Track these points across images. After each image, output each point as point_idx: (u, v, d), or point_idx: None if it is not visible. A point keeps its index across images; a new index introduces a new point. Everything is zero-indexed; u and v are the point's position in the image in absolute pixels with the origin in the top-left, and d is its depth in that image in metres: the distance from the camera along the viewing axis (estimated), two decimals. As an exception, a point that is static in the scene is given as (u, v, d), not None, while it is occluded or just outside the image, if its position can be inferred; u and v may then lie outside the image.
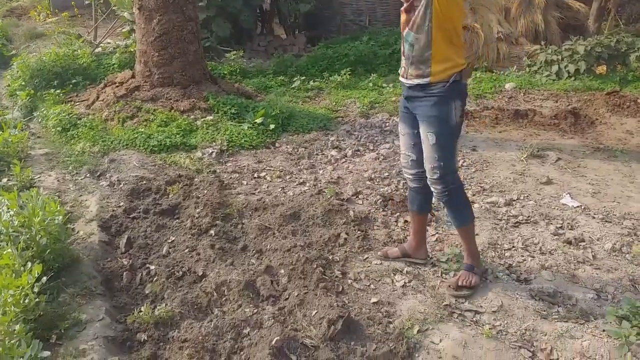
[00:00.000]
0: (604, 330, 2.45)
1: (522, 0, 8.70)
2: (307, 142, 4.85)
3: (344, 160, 4.50)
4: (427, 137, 2.52)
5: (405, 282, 2.77)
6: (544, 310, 2.58)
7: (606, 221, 3.56)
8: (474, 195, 3.90)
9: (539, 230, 3.40)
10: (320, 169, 4.28)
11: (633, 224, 3.51)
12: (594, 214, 3.66)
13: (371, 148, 4.81)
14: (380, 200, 3.68)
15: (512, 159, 4.59)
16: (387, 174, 4.19)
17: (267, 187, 3.89)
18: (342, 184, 4.00)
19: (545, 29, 8.61)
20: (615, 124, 5.67)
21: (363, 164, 4.41)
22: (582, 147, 4.99)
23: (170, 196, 3.66)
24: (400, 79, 2.66)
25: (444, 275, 2.87)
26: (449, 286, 2.70)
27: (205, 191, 3.64)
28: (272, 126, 4.92)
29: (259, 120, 4.90)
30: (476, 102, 6.18)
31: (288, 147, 4.71)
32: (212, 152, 4.37)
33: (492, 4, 8.85)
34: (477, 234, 3.29)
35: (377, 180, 4.08)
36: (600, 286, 2.79)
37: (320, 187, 3.87)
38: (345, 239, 3.11)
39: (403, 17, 2.53)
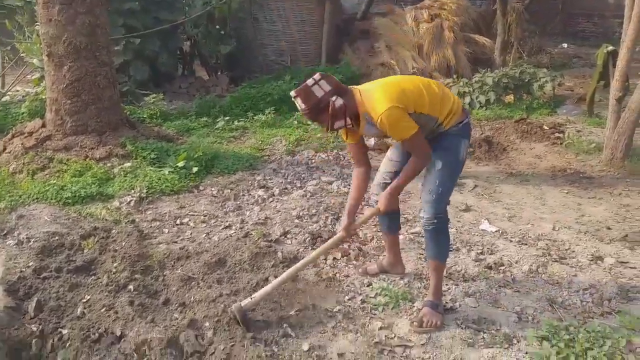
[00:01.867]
0: (526, 353, 2.52)
1: (433, 37, 9.23)
2: (232, 183, 4.78)
3: (271, 199, 4.47)
4: (434, 164, 2.66)
5: (335, 323, 2.73)
6: (470, 338, 2.62)
7: (522, 244, 3.73)
8: (419, 220, 3.99)
9: (461, 257, 3.50)
10: (247, 211, 4.21)
11: (546, 244, 3.71)
12: (511, 237, 3.83)
13: (298, 185, 4.82)
14: (309, 238, 3.66)
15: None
16: (315, 210, 4.19)
17: (191, 233, 3.76)
18: (270, 224, 3.94)
19: (456, 63, 9.16)
20: (525, 149, 6.04)
21: (291, 202, 4.39)
22: (496, 173, 5.26)
23: (85, 251, 3.45)
24: None
25: (372, 311, 2.86)
26: (414, 323, 2.71)
27: (124, 243, 3.46)
28: (195, 169, 4.82)
29: (180, 164, 4.78)
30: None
31: (213, 189, 4.61)
32: (131, 200, 4.19)
33: (405, 41, 9.32)
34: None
35: (306, 218, 4.06)
36: (521, 308, 2.89)
37: (247, 229, 3.80)
38: (273, 282, 3.04)
39: None
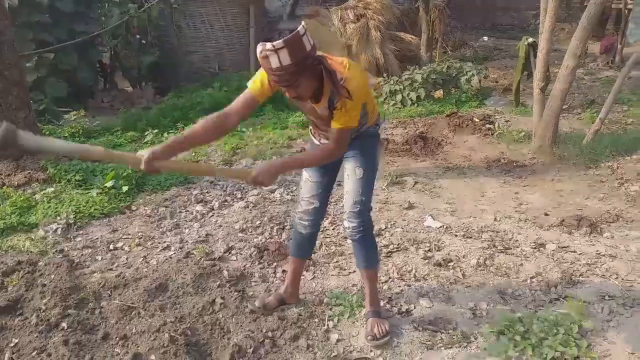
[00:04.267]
0: (485, 349, 2.51)
1: (361, 37, 9.29)
2: (167, 200, 4.53)
3: (211, 214, 4.26)
4: (355, 172, 2.48)
5: (291, 340, 2.60)
6: (429, 341, 2.58)
7: (467, 237, 3.77)
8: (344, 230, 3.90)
9: (410, 256, 3.48)
10: (185, 229, 3.98)
11: (490, 236, 3.76)
12: (456, 231, 3.86)
13: (239, 197, 4.63)
14: (255, 252, 3.50)
15: (374, 188, 4.70)
16: (259, 222, 4.03)
17: (126, 259, 3.50)
18: (212, 241, 3.75)
19: (384, 61, 9.26)
20: (459, 142, 6.18)
21: (232, 215, 4.21)
22: (434, 169, 5.32)
23: (9, 289, 3.10)
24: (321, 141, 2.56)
25: (328, 322, 2.76)
26: (368, 338, 2.57)
27: (52, 276, 3.15)
28: (125, 188, 4.52)
29: (109, 184, 4.47)
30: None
31: (146, 208, 4.34)
32: (57, 228, 3.85)
33: (334, 42, 9.32)
34: (354, 271, 3.30)
35: (250, 231, 3.90)
36: (475, 304, 2.89)
37: (188, 249, 3.59)
38: (222, 303, 2.86)
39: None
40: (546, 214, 4.13)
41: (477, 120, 6.85)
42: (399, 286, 3.08)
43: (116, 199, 4.40)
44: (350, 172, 2.51)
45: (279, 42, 1.95)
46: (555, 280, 3.09)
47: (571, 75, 5.27)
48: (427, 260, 3.39)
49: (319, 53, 2.14)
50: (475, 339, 2.60)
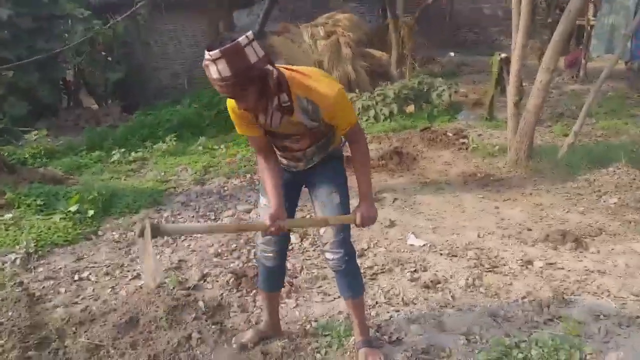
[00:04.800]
0: (483, 378, 2.37)
1: (332, 54, 9.24)
2: (136, 223, 4.26)
3: (183, 238, 4.03)
4: (332, 198, 2.31)
5: (276, 377, 2.41)
6: (424, 372, 2.43)
7: (452, 255, 3.65)
8: (323, 252, 3.73)
9: (396, 278, 3.33)
10: (157, 254, 3.74)
11: (476, 253, 3.66)
12: (440, 250, 3.74)
13: (212, 218, 4.42)
14: (232, 279, 3.29)
15: (352, 206, 4.54)
16: (234, 245, 3.83)
17: (93, 290, 3.24)
18: (185, 267, 3.53)
19: (356, 77, 9.22)
20: (434, 157, 6.12)
21: (206, 238, 3.98)
22: (412, 184, 5.22)
23: (-40, 329, 2.81)
24: (285, 168, 2.40)
25: (316, 354, 2.57)
26: None
27: (10, 313, 2.88)
28: (90, 212, 4.25)
29: (73, 209, 4.20)
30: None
31: (114, 234, 4.08)
32: (16, 258, 3.55)
33: (306, 59, 9.24)
34: (339, 296, 3.12)
35: (225, 255, 3.69)
36: (467, 329, 2.75)
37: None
38: (199, 338, 2.65)
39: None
40: (529, 229, 4.06)
41: (450, 134, 6.83)
42: (388, 312, 2.92)
43: (81, 224, 4.14)
44: (325, 199, 2.33)
45: (215, 52, 1.78)
46: (547, 300, 2.99)
47: (545, 90, 5.29)
48: (414, 283, 3.25)
49: (282, 65, 2.04)
50: (472, 367, 2.46)
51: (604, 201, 4.51)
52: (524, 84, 6.12)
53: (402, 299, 3.06)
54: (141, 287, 3.18)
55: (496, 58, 6.94)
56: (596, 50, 10.40)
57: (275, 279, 2.59)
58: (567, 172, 5.19)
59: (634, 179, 4.79)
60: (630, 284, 3.14)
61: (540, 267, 3.40)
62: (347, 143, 2.35)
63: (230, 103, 2.11)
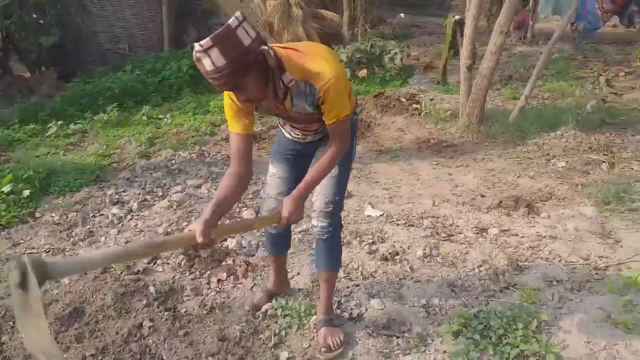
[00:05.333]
0: (444, 352, 2.37)
1: (282, 15, 8.90)
2: (78, 203, 4.01)
3: (130, 217, 3.82)
4: None
5: (234, 363, 2.32)
6: (385, 348, 2.40)
7: (409, 225, 3.63)
8: (311, 218, 3.64)
9: (354, 251, 3.28)
10: (101, 236, 3.53)
11: (431, 222, 3.65)
12: (397, 220, 3.71)
13: (160, 194, 4.21)
14: (185, 260, 3.14)
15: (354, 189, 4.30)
16: (185, 223, 3.67)
17: (33, 278, 3.01)
18: (133, 249, 3.34)
19: (307, 39, 8.94)
20: (388, 123, 6.06)
21: (155, 217, 3.80)
22: (367, 153, 5.16)
23: None
24: (294, 139, 2.32)
25: (275, 337, 2.49)
26: (322, 351, 2.36)
27: (-62, 309, 2.64)
28: (26, 192, 3.95)
29: (6, 189, 3.88)
30: (261, 120, 5.99)
31: (53, 215, 3.81)
32: (-57, 247, 3.27)
33: (255, 20, 8.87)
34: (298, 273, 3.06)
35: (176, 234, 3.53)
36: (427, 300, 2.75)
37: (106, 260, 3.16)
38: (151, 327, 2.51)
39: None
40: (482, 196, 4.09)
41: (403, 100, 6.77)
42: (348, 287, 2.87)
43: (16, 205, 3.84)
44: None
45: (207, 41, 1.61)
46: (502, 268, 3.02)
47: (498, 53, 5.27)
48: (372, 255, 3.21)
49: (273, 43, 1.87)
50: (433, 340, 2.46)
51: (553, 165, 4.60)
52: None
53: (362, 272, 3.02)
54: (85, 274, 2.98)
55: (450, 20, 6.86)
56: (543, 12, 10.53)
57: (281, 243, 2.62)
58: (517, 136, 5.26)
59: (581, 142, 4.90)
60: (580, 248, 3.22)
61: (495, 235, 3.44)
62: (357, 113, 2.34)
63: (227, 98, 1.97)
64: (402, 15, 14.40)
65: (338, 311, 2.66)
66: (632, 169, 4.32)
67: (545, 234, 3.41)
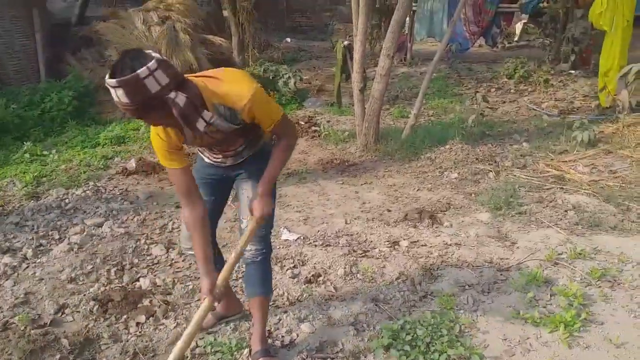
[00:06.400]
0: (378, 366, 2.45)
1: (169, 41, 8.70)
2: (-41, 255, 3.57)
3: (25, 265, 3.47)
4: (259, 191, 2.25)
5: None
6: (322, 371, 2.43)
7: (327, 245, 3.71)
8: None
9: (277, 277, 3.27)
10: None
11: (347, 240, 3.77)
12: (314, 241, 3.78)
13: (57, 237, 3.88)
14: (97, 306, 2.92)
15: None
16: (90, 267, 3.41)
17: None
18: (35, 301, 3.04)
19: (198, 66, 8.82)
20: (289, 146, 6.13)
21: (54, 262, 3.49)
22: (274, 176, 5.18)
23: None
24: (215, 164, 2.37)
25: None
26: None
27: None
28: None
29: None
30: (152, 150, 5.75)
31: None
32: None
33: (140, 47, 8.56)
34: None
35: (81, 279, 3.27)
36: (354, 318, 2.82)
37: (5, 317, 2.84)
38: (69, 384, 2.30)
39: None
40: (389, 210, 4.31)
41: (302, 122, 6.93)
42: (276, 314, 2.85)
43: None
44: (252, 193, 2.32)
45: (113, 82, 1.70)
46: (418, 278, 3.20)
47: (387, 75, 5.63)
48: (295, 279, 3.23)
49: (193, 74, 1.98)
50: (365, 357, 2.52)
51: (447, 177, 4.97)
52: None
53: (288, 298, 3.03)
54: (-18, 335, 2.66)
55: (340, 45, 7.18)
56: (419, 34, 11.42)
57: (216, 260, 2.43)
58: (411, 152, 5.61)
59: (468, 154, 5.35)
60: (483, 252, 3.51)
61: (406, 247, 3.63)
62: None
63: (155, 138, 2.05)
64: (288, 39, 14.77)
65: (269, 340, 2.63)
66: (515, 175, 4.81)
67: (450, 241, 3.67)
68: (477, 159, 5.25)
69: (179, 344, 2.00)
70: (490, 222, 3.95)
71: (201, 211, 2.13)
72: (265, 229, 2.34)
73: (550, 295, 2.94)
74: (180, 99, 1.80)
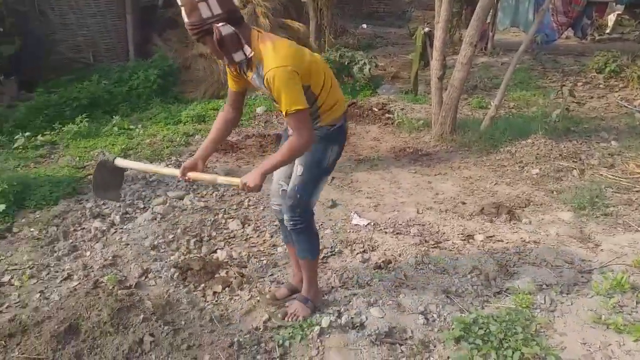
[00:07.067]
0: (448, 358, 2.42)
1: (249, 24, 8.88)
2: (57, 217, 3.87)
3: (113, 230, 3.72)
4: (297, 167, 2.46)
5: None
6: (391, 356, 2.44)
7: (397, 233, 3.70)
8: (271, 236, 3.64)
9: (347, 260, 3.31)
10: (86, 251, 3.43)
11: (419, 230, 3.73)
12: (384, 228, 3.77)
13: (142, 207, 4.12)
14: (177, 273, 3.09)
15: (317, 189, 4.41)
16: (172, 236, 3.60)
17: (19, 296, 2.89)
18: (122, 264, 3.26)
19: (276, 49, 8.96)
20: (362, 132, 6.14)
21: (139, 229, 3.71)
22: (347, 162, 5.21)
23: None
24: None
25: (279, 351, 2.48)
26: (277, 315, 2.67)
27: None
28: (1, 207, 3.78)
29: (-20, 204, 3.71)
30: (236, 131, 5.95)
31: (32, 229, 3.66)
32: None
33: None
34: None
35: (163, 248, 3.46)
36: (424, 307, 2.80)
37: (95, 276, 3.07)
38: (152, 342, 2.45)
39: None
40: (463, 203, 4.21)
41: (376, 109, 6.89)
42: (345, 296, 2.89)
43: (-9, 221, 3.67)
44: (295, 165, 2.48)
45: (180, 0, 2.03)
46: (493, 273, 3.11)
47: (468, 64, 5.45)
48: (365, 264, 3.25)
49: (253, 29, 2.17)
50: (435, 347, 2.51)
51: (527, 172, 4.78)
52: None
53: (357, 281, 3.05)
54: (76, 290, 2.89)
55: (420, 32, 7.03)
56: (502, 23, 10.96)
57: (287, 230, 2.68)
58: (490, 145, 5.43)
59: (551, 150, 5.11)
60: (564, 252, 3.36)
61: (481, 241, 3.54)
62: (339, 127, 2.45)
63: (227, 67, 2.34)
64: (364, 25, 14.64)
65: (339, 321, 2.66)
66: (601, 175, 4.55)
67: (529, 239, 3.54)
68: (560, 155, 5.01)
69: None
70: (573, 221, 3.77)
71: (231, 116, 2.52)
72: (293, 199, 2.45)
73: (637, 303, 2.77)
74: (226, 29, 2.02)
